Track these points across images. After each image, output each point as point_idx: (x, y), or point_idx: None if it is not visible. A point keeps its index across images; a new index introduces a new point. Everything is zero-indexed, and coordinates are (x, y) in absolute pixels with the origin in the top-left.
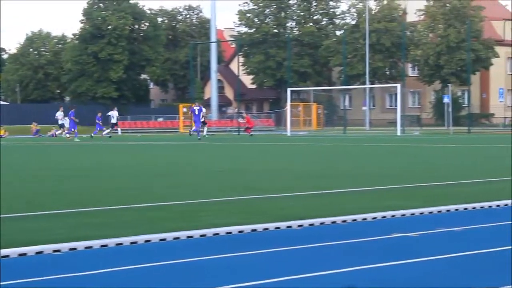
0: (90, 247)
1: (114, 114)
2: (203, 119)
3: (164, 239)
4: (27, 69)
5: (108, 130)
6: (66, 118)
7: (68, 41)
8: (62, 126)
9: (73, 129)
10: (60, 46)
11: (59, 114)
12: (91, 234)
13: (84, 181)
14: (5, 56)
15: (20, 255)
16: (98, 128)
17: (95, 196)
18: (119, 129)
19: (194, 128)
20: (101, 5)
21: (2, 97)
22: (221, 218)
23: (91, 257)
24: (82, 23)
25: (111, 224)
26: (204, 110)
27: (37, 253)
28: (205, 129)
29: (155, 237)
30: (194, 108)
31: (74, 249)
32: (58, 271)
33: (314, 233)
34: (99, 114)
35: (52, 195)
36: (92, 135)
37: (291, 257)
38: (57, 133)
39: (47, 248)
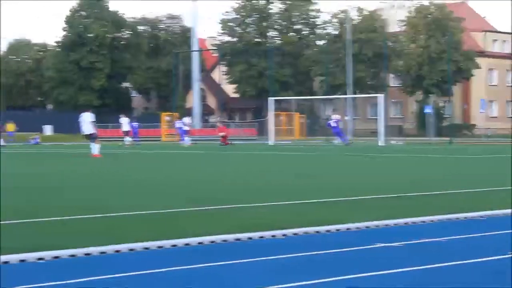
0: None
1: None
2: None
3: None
4: (9, 77)
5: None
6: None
7: (49, 48)
8: (127, 133)
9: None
10: (41, 53)
11: (124, 120)
12: None
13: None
14: None
15: None
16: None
17: None
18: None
19: (341, 139)
20: (83, 13)
21: None
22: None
23: None
24: (64, 31)
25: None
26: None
27: None
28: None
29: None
30: (331, 121)
31: None
32: None
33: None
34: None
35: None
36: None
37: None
38: (129, 140)
39: None
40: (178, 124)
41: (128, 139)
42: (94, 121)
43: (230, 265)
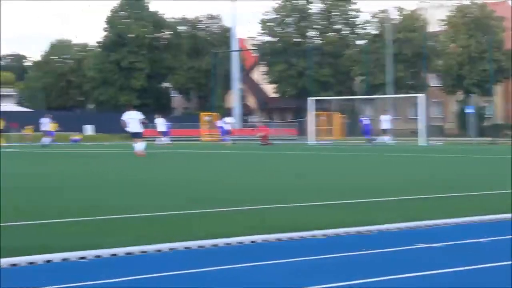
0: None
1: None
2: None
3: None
4: (50, 77)
5: None
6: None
7: (90, 49)
8: (162, 133)
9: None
10: (82, 54)
11: (159, 120)
12: None
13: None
14: (29, 63)
15: None
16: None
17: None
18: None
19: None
20: (123, 13)
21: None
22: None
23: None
24: (105, 31)
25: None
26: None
27: None
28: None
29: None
30: (363, 119)
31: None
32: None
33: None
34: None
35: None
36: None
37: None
38: (162, 140)
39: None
40: (219, 123)
41: (162, 139)
42: (142, 118)
43: (269, 265)
